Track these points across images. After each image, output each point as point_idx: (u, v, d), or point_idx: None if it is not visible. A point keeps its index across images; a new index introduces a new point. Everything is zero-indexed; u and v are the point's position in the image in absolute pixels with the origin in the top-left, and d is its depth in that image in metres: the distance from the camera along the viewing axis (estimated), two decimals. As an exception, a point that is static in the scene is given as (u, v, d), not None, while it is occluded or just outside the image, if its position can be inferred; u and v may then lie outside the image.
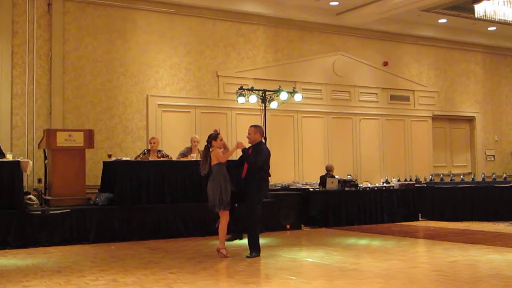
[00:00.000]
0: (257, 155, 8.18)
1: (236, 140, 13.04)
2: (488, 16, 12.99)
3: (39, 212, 9.56)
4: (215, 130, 8.35)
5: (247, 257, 7.93)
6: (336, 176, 13.07)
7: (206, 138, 8.23)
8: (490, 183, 13.71)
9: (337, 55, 15.72)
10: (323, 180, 12.96)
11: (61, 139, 10.23)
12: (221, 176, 8.10)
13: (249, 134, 8.42)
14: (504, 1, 12.61)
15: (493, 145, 18.56)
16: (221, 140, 8.34)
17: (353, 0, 14.42)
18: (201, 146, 11.64)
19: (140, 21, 13.19)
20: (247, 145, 8.38)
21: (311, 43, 15.40)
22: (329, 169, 13.53)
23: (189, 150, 11.41)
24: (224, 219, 8.10)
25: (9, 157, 9.90)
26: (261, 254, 8.02)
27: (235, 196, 8.11)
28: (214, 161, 8.21)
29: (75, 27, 12.49)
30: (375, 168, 16.06)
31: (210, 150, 8.12)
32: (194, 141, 11.48)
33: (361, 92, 16.09)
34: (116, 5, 12.90)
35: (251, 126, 8.49)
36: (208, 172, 8.11)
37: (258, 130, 8.46)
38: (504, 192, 13.03)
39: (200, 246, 9.21)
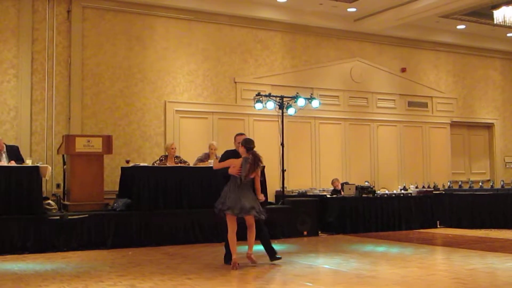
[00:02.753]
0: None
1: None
2: (507, 22, 12.91)
3: (58, 217, 9.64)
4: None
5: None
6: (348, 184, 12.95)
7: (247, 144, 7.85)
8: (509, 190, 13.57)
9: (354, 61, 15.68)
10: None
11: (80, 145, 10.31)
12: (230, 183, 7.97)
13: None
14: (523, 7, 12.54)
15: (513, 152, 18.39)
16: (237, 143, 8.03)
17: (371, 6, 14.40)
18: (219, 152, 11.72)
19: (158, 28, 13.28)
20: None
21: (329, 50, 15.38)
22: (334, 184, 13.45)
23: (206, 156, 11.45)
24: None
25: (28, 162, 10.01)
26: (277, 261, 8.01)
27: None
28: None
29: (94, 34, 12.60)
30: (393, 174, 15.97)
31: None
32: (212, 148, 11.51)
33: (378, 99, 16.03)
34: (134, 11, 13.00)
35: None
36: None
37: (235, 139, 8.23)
38: (524, 199, 12.89)
39: (217, 252, 9.18)
